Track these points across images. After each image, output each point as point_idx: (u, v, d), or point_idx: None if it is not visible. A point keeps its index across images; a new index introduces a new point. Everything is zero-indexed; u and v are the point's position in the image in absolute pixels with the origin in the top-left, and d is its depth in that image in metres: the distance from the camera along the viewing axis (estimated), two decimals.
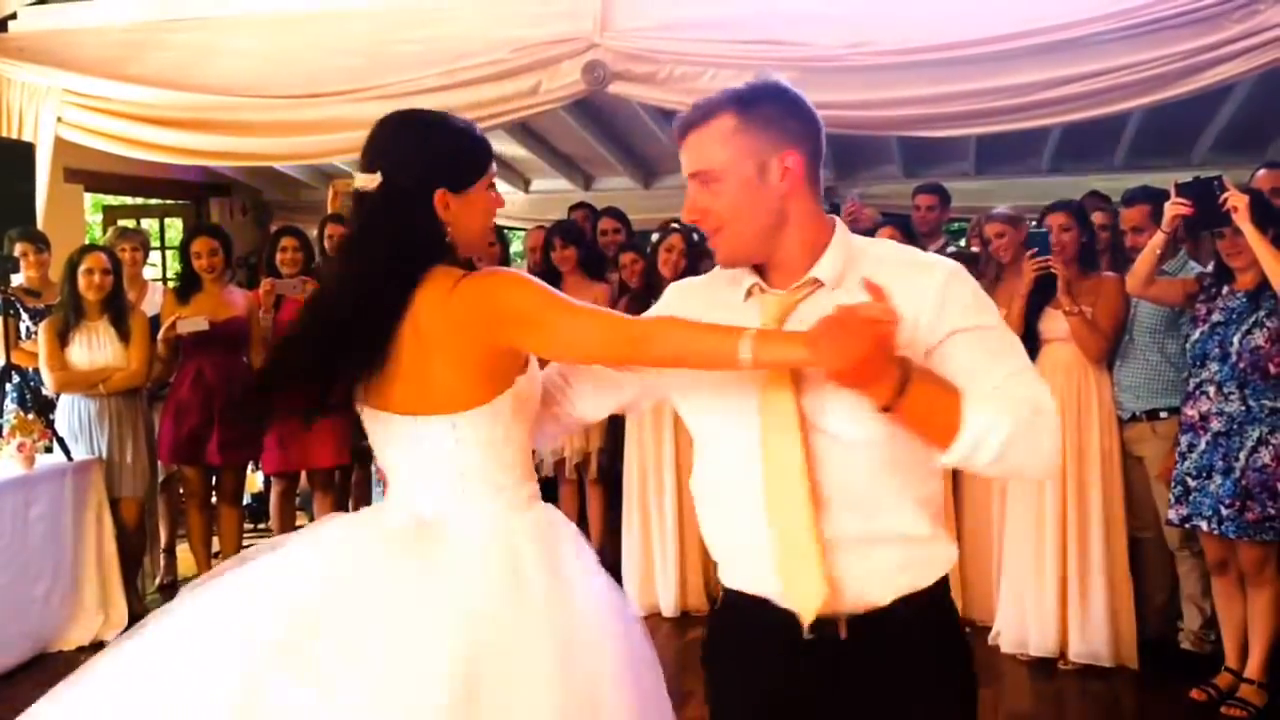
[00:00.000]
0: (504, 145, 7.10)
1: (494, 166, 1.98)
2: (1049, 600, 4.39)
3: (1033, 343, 4.47)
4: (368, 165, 1.91)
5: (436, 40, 5.75)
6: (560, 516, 2.04)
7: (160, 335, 5.10)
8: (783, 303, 1.75)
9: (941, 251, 5.61)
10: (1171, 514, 4.00)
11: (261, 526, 6.68)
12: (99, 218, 9.24)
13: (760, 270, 1.80)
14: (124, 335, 5.02)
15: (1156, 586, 4.51)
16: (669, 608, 5.14)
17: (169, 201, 8.27)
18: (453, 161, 1.91)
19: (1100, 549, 4.33)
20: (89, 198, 8.71)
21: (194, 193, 8.07)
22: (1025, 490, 4.46)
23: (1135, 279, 4.08)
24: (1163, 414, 4.25)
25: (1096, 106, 5.25)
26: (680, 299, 1.92)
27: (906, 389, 1.58)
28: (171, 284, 5.70)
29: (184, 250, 5.26)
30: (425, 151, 1.90)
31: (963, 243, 6.55)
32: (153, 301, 5.51)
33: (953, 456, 1.61)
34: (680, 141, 1.78)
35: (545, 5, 5.66)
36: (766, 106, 1.73)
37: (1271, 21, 4.83)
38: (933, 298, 1.69)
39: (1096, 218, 4.88)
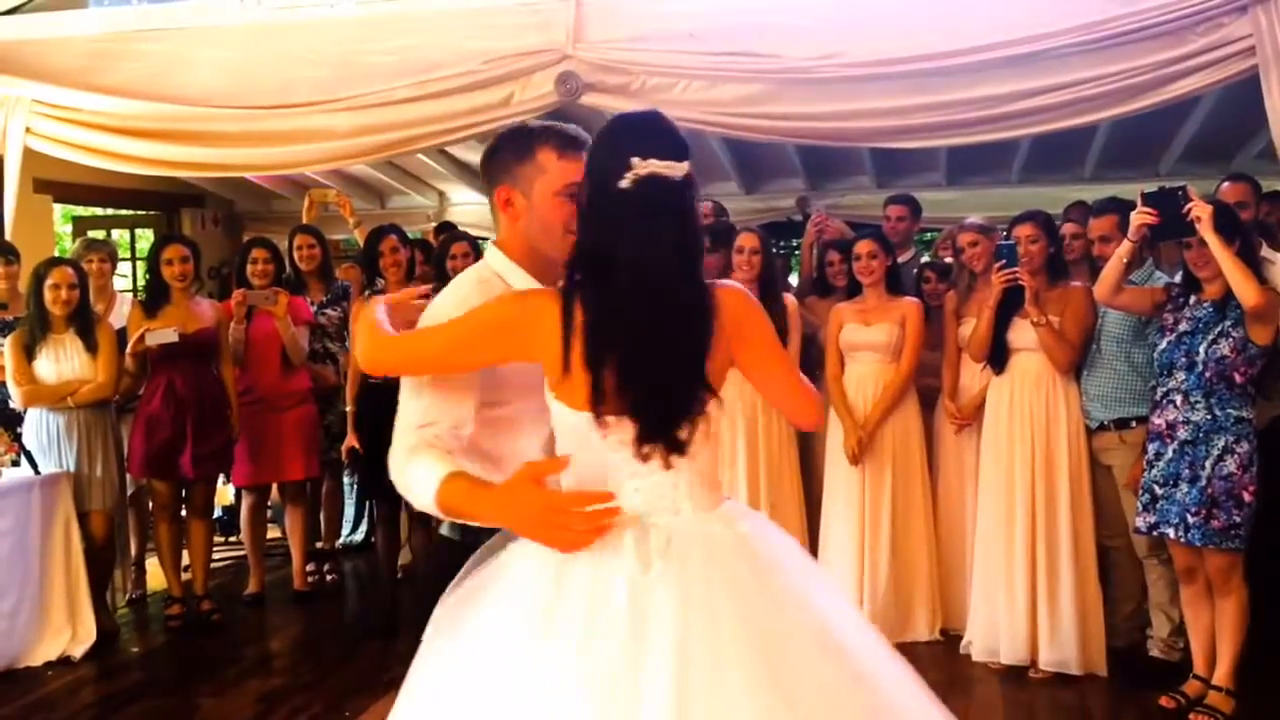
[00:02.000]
0: (475, 156, 7.08)
1: None
2: (1019, 609, 4.42)
3: (1002, 352, 4.51)
4: (679, 154, 1.92)
5: (409, 51, 5.72)
6: None
7: (129, 348, 5.06)
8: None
9: (913, 262, 5.65)
10: (1139, 522, 4.03)
11: (232, 540, 6.63)
12: (69, 228, 9.16)
13: None
14: (91, 348, 4.98)
15: (1125, 594, 4.54)
16: None
17: (140, 212, 8.20)
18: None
19: (1069, 558, 4.36)
20: (59, 208, 8.64)
21: (165, 203, 8.02)
22: (995, 499, 4.50)
23: (1103, 288, 4.11)
24: (1131, 423, 4.29)
25: (1065, 118, 5.28)
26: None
27: None
28: (140, 295, 5.64)
29: (153, 260, 5.22)
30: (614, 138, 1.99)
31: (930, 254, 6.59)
32: (121, 313, 5.47)
33: None
34: (578, 155, 2.05)
35: (518, 17, 5.64)
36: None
37: (1235, 35, 4.88)
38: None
39: (1069, 228, 4.93)
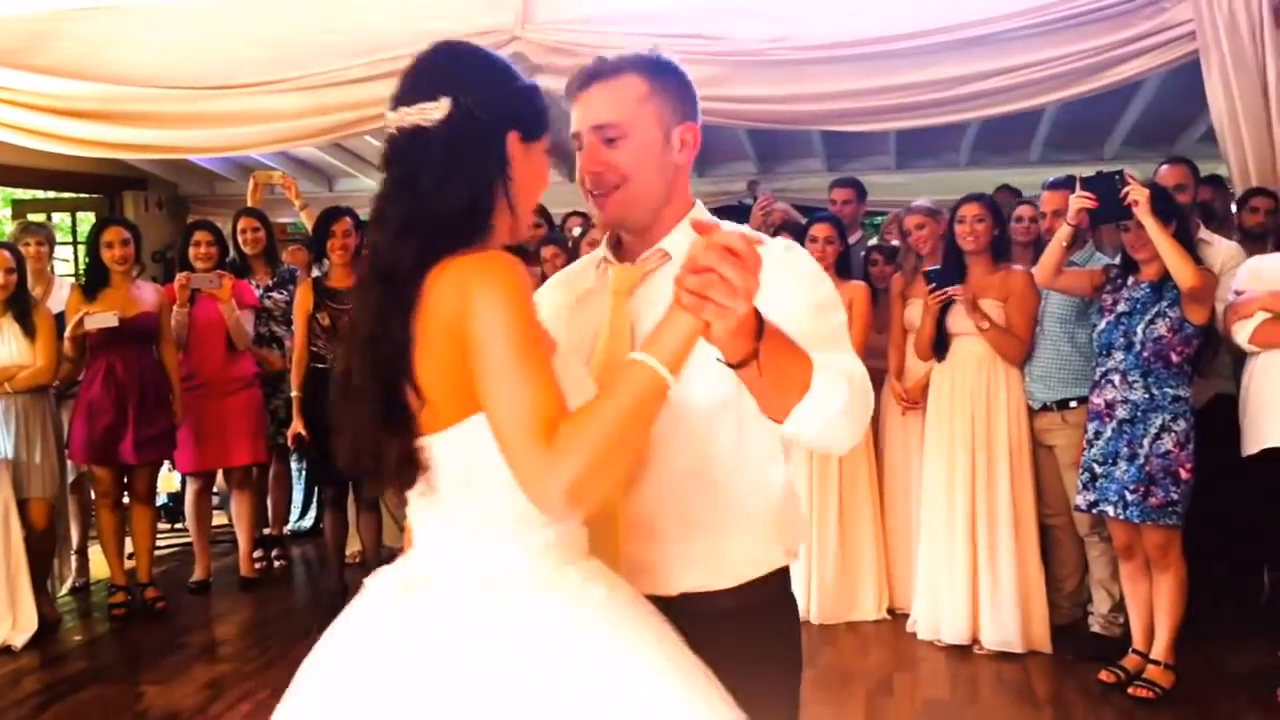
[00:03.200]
0: None
1: None
2: (960, 588, 4.47)
3: (943, 339, 4.55)
4: (428, 92, 1.53)
5: (357, 31, 5.66)
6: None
7: (68, 333, 4.97)
8: (632, 274, 1.77)
9: (860, 244, 5.68)
10: (1079, 500, 4.09)
11: (179, 527, 6.55)
12: (8, 212, 8.99)
13: (615, 244, 1.83)
14: (29, 332, 4.88)
15: (1067, 572, 4.60)
16: None
17: (81, 195, 8.06)
18: (526, 102, 1.60)
19: (1010, 537, 4.42)
20: (1, 192, 8.50)
21: (107, 186, 7.88)
22: (937, 480, 4.54)
23: (1043, 270, 4.16)
24: (1072, 403, 4.34)
25: (1014, 101, 5.36)
26: (550, 293, 1.91)
27: (763, 341, 1.46)
28: (80, 279, 5.55)
29: (92, 243, 5.12)
30: (502, 84, 1.58)
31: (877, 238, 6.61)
32: (60, 297, 5.36)
33: (792, 420, 1.57)
34: (581, 91, 1.74)
35: None
36: (672, 78, 1.75)
37: (1178, 19, 4.96)
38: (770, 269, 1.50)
39: (1025, 210, 4.97)
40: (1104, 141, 7.35)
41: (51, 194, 8.19)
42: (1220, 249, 4.36)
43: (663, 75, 1.74)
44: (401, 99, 1.56)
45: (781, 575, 1.82)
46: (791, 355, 1.53)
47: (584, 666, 1.44)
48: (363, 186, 8.31)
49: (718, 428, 1.72)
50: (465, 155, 1.52)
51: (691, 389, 1.60)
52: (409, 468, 1.52)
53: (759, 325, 1.45)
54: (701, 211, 1.77)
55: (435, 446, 1.51)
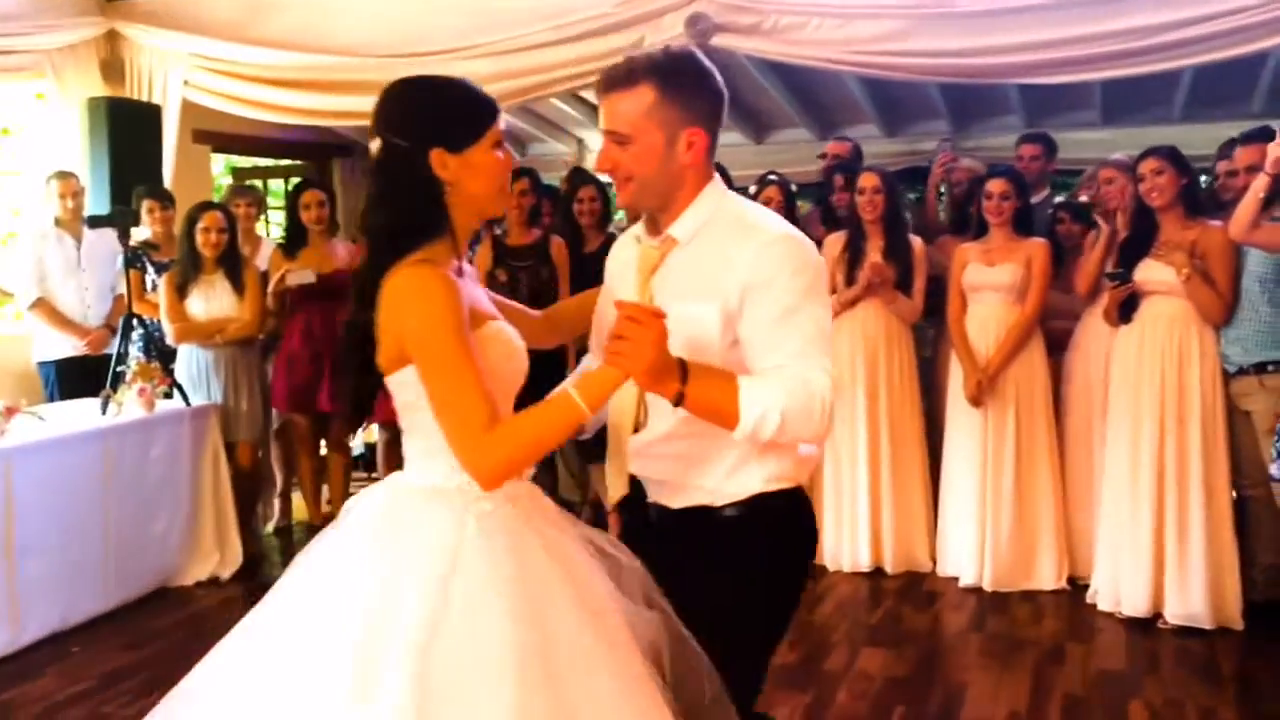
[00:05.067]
0: None
1: (500, 126, 1.97)
2: (1145, 558, 4.27)
3: (1130, 300, 4.34)
4: (371, 134, 1.94)
5: None
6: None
7: (270, 287, 5.31)
8: (650, 257, 2.06)
9: (1046, 202, 5.44)
10: (1274, 468, 3.85)
11: (375, 475, 6.90)
12: (229, 180, 9.59)
13: (650, 220, 2.10)
14: (239, 288, 5.25)
15: (1264, 546, 4.32)
16: None
17: (294, 162, 8.54)
18: (447, 120, 1.92)
19: (1200, 507, 4.19)
20: (222, 159, 9.08)
21: (317, 153, 8.32)
22: (1123, 446, 4.34)
23: (1237, 224, 3.90)
24: (1270, 367, 4.08)
25: (1221, 49, 4.99)
26: (615, 251, 2.24)
27: (687, 386, 1.83)
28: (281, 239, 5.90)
29: (291, 205, 5.45)
30: (419, 111, 1.92)
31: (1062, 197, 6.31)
32: (266, 256, 5.73)
33: (741, 434, 1.87)
34: (603, 95, 1.99)
35: None
36: (684, 82, 1.98)
37: None
38: (751, 264, 1.93)
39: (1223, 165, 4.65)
40: None
41: (268, 161, 8.71)
42: None
43: (675, 80, 1.96)
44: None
45: (777, 498, 2.05)
46: (718, 388, 1.87)
47: (443, 565, 1.81)
48: (552, 150, 8.50)
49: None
50: (394, 181, 1.91)
51: (674, 345, 1.85)
52: (368, 402, 2.02)
53: (683, 371, 1.83)
54: (718, 187, 2.04)
55: (390, 384, 1.94)
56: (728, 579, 2.02)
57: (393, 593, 1.78)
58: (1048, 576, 4.75)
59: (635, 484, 2.14)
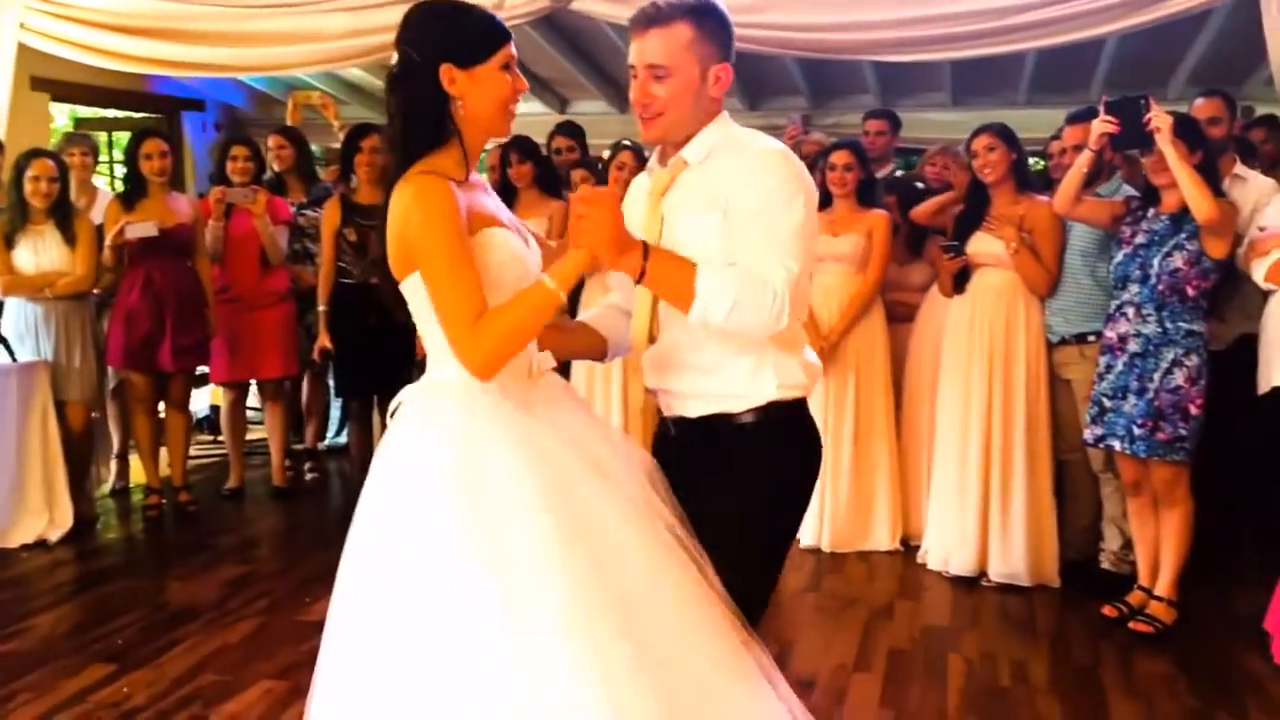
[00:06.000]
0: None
1: (511, 49, 2.08)
2: (971, 519, 4.45)
3: (963, 273, 4.51)
4: (395, 48, 2.09)
5: None
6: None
7: (108, 241, 5.11)
8: (661, 179, 2.21)
9: (889, 177, 5.60)
10: (1087, 434, 4.04)
11: (220, 439, 6.73)
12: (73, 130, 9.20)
13: (662, 155, 2.24)
14: (70, 240, 5.05)
15: (1081, 509, 4.54)
16: None
17: (143, 115, 8.23)
18: (457, 36, 2.05)
19: (1023, 471, 4.39)
20: (66, 109, 8.70)
21: (167, 106, 8.04)
22: (952, 412, 4.51)
23: (1062, 198, 4.07)
24: (1091, 337, 4.26)
25: (1066, 32, 5.20)
26: (631, 194, 2.34)
27: (647, 265, 2.02)
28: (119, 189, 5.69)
29: (130, 155, 5.25)
30: (432, 28, 2.06)
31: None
32: (102, 207, 5.51)
33: (692, 315, 2.03)
34: (639, 33, 2.12)
35: None
36: (713, 22, 2.14)
37: None
38: (740, 173, 2.09)
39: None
40: (1167, 81, 7.10)
41: (114, 113, 8.37)
42: (1254, 185, 4.22)
43: (708, 20, 2.12)
44: None
45: (789, 406, 2.19)
46: (676, 268, 2.05)
47: (454, 448, 1.97)
48: None
49: None
50: (408, 92, 2.05)
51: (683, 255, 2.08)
52: (394, 301, 2.12)
53: (645, 250, 2.03)
54: (725, 122, 2.19)
55: (403, 290, 2.08)
56: (742, 486, 2.15)
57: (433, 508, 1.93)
58: (883, 538, 4.91)
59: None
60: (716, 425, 2.18)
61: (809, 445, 2.25)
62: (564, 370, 4.61)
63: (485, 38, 2.06)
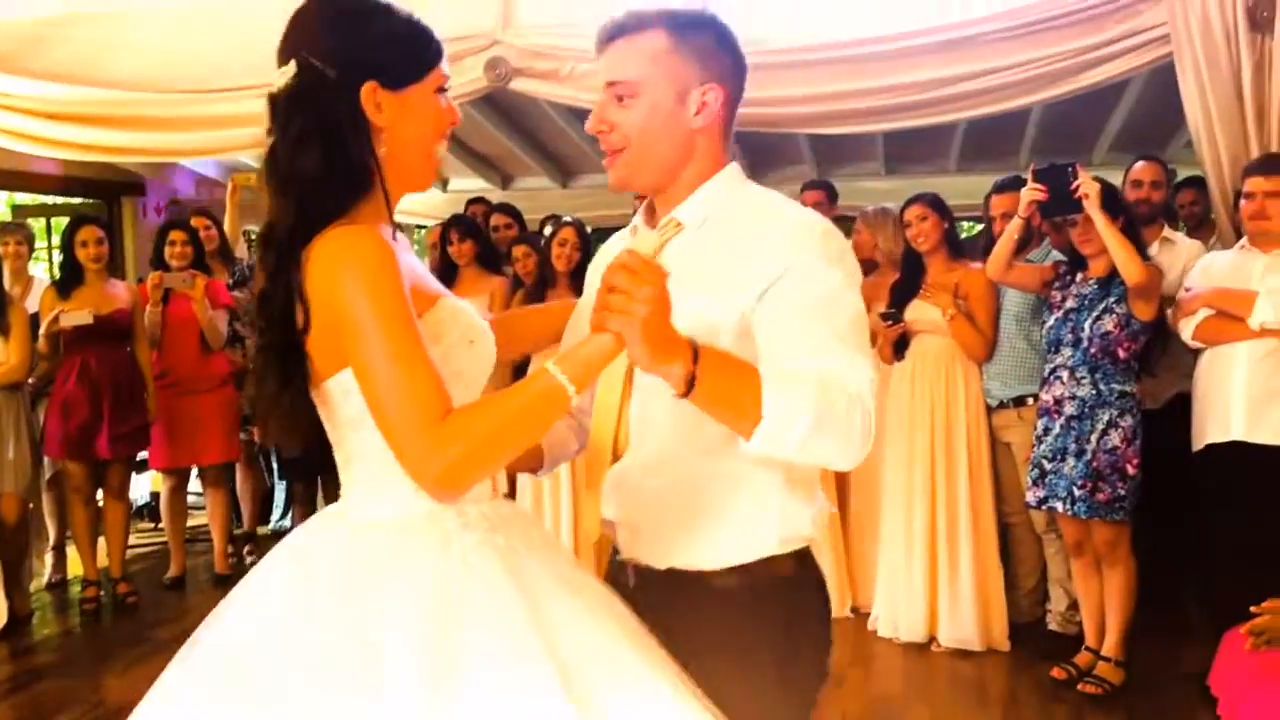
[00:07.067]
0: None
1: (446, 69, 1.63)
2: (919, 585, 4.47)
3: (902, 339, 4.57)
4: (283, 57, 1.55)
5: None
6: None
7: (42, 330, 5.05)
8: (645, 245, 1.69)
9: None
10: (1029, 497, 4.08)
11: (160, 527, 6.61)
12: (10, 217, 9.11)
13: (649, 210, 1.76)
14: (3, 330, 4.97)
15: (1027, 570, 4.59)
16: None
17: (82, 200, 8.18)
18: (388, 47, 1.56)
19: (969, 535, 4.42)
20: (3, 196, 8.62)
21: (106, 191, 7.99)
22: (897, 478, 4.55)
23: (994, 264, 4.16)
24: (1028, 400, 4.33)
25: (992, 103, 5.33)
26: (601, 258, 1.88)
27: (698, 370, 1.43)
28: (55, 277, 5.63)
29: (67, 242, 5.21)
30: (353, 34, 1.55)
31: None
32: (38, 296, 5.45)
33: (754, 443, 1.48)
34: (603, 47, 1.68)
35: (447, 2, 5.66)
36: (701, 36, 1.67)
37: (1151, 22, 4.93)
38: (778, 248, 1.59)
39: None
40: (1092, 146, 7.33)
41: (53, 200, 8.31)
42: (1183, 247, 4.35)
43: (692, 32, 1.65)
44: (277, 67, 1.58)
45: (787, 561, 1.68)
46: (735, 376, 1.48)
47: (436, 612, 1.45)
48: None
49: (704, 416, 1.54)
50: (314, 116, 1.52)
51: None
52: (300, 414, 1.57)
53: (694, 351, 1.44)
54: (738, 172, 1.71)
55: (327, 391, 1.55)
56: (726, 672, 1.59)
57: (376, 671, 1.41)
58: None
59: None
60: (687, 583, 1.66)
61: (815, 610, 1.76)
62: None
63: (420, 50, 1.60)
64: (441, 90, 1.62)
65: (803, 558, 1.71)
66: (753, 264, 1.58)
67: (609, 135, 1.67)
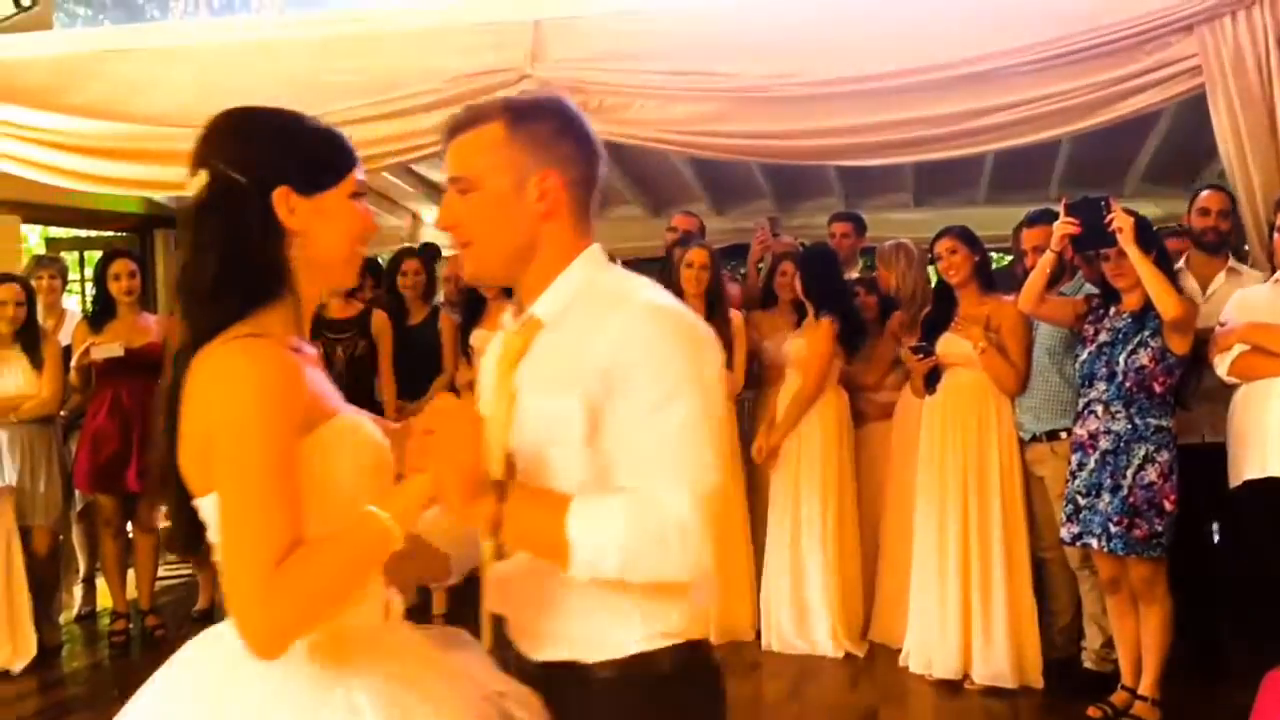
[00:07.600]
0: (442, 175, 7.13)
1: (359, 175, 1.64)
2: (953, 622, 4.41)
3: (933, 373, 4.53)
4: (195, 166, 1.58)
5: (369, 71, 5.77)
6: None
7: (74, 362, 5.09)
8: (511, 345, 1.67)
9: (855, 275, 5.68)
10: (1063, 532, 4.03)
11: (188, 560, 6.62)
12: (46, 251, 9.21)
13: (519, 305, 1.72)
14: (37, 364, 5.02)
15: (1061, 606, 4.52)
16: None
17: (115, 233, 8.26)
18: (300, 154, 1.59)
19: (1002, 571, 4.36)
20: (38, 230, 8.72)
21: (138, 224, 8.07)
22: (929, 514, 4.50)
23: (1026, 298, 4.12)
24: (1061, 434, 4.28)
25: (1022, 134, 5.30)
26: (488, 356, 1.81)
27: (506, 504, 1.48)
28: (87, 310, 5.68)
29: (99, 275, 5.26)
30: (264, 141, 1.58)
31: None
32: (71, 329, 5.50)
33: (576, 575, 1.49)
34: (445, 143, 1.67)
35: (478, 36, 5.70)
36: (539, 123, 1.64)
37: (1182, 54, 4.91)
38: (616, 339, 1.54)
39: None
40: (1122, 178, 7.26)
41: (86, 233, 8.40)
42: (1249, 278, 4.29)
43: (530, 120, 1.64)
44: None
45: (664, 657, 1.60)
46: (545, 513, 1.49)
47: None
48: (386, 224, 8.42)
49: None
50: (223, 222, 1.53)
51: (550, 479, 1.57)
52: (183, 527, 1.56)
53: (501, 491, 1.48)
54: (595, 257, 1.68)
55: (200, 508, 1.52)
56: None
57: None
58: (825, 644, 4.85)
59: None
60: (564, 676, 1.60)
61: (699, 706, 1.66)
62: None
63: (333, 157, 1.61)
64: (357, 195, 1.63)
65: (685, 653, 1.62)
66: (597, 362, 1.54)
67: (456, 230, 1.67)
